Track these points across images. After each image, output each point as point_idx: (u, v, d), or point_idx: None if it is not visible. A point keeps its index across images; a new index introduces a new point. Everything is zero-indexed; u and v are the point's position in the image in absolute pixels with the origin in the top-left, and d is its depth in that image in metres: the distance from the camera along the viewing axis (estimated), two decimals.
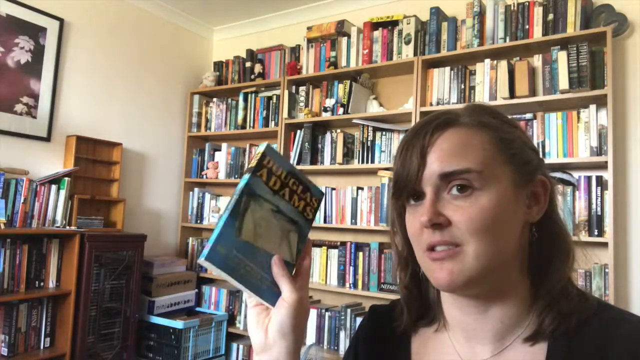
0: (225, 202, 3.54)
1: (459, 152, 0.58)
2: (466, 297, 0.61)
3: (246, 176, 0.57)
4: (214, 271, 0.54)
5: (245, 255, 0.55)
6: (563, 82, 2.30)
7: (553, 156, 2.34)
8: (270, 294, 0.57)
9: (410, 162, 0.59)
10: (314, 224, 2.77)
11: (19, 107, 2.76)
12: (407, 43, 2.82)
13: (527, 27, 2.50)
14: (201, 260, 0.53)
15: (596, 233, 2.19)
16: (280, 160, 0.60)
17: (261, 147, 0.59)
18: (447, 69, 2.67)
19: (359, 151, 2.91)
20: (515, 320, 0.61)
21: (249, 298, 0.60)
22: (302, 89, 3.23)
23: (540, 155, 0.66)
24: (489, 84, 2.54)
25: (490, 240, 0.56)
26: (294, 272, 0.59)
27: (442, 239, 0.57)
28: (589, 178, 2.24)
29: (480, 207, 0.56)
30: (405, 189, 0.60)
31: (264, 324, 0.58)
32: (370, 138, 2.87)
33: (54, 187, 2.75)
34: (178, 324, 2.93)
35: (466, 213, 0.56)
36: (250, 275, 0.56)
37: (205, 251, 0.53)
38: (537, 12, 2.47)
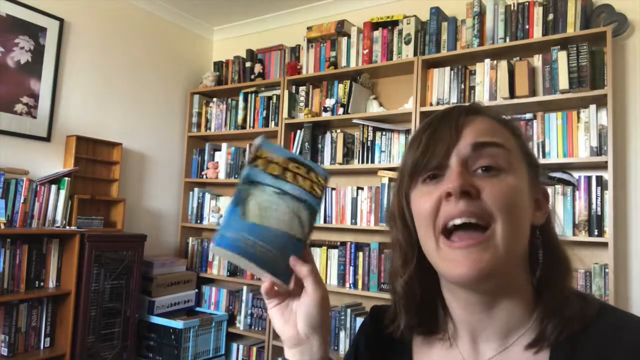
0: (225, 202, 3.54)
1: (491, 133, 0.59)
2: (475, 294, 0.59)
3: (245, 170, 0.60)
4: (226, 257, 0.57)
5: (254, 236, 0.57)
6: (563, 82, 2.30)
7: (553, 156, 2.34)
8: (285, 274, 0.59)
9: (441, 136, 0.58)
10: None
11: (19, 107, 2.76)
12: (407, 43, 2.82)
13: (527, 27, 2.50)
14: (213, 249, 0.56)
15: (596, 233, 2.19)
16: (276, 150, 0.62)
17: (256, 140, 0.62)
18: (447, 69, 2.67)
19: (359, 151, 2.91)
20: (518, 320, 0.60)
21: (265, 281, 0.61)
22: (302, 89, 3.23)
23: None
24: (489, 84, 2.54)
25: (515, 223, 0.55)
26: (304, 248, 0.60)
27: (466, 208, 0.54)
28: (589, 178, 2.24)
29: (508, 185, 0.56)
30: (431, 162, 0.58)
31: (289, 319, 0.59)
32: (370, 138, 2.87)
33: (54, 187, 2.75)
34: (178, 324, 2.93)
35: (496, 187, 0.55)
36: (264, 255, 0.57)
37: (215, 238, 0.56)
38: (537, 12, 2.47)
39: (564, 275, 0.60)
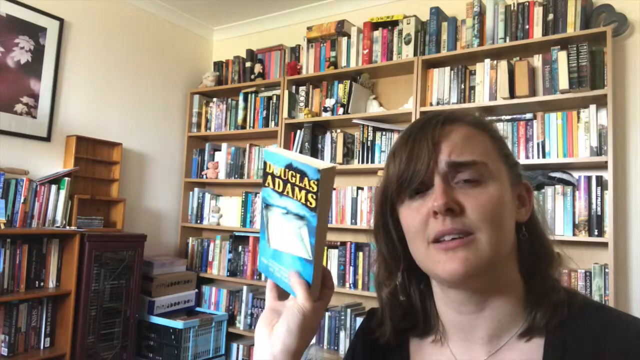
0: (225, 202, 3.54)
1: (467, 145, 0.59)
2: (466, 293, 0.60)
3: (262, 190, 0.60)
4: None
5: (277, 261, 0.60)
6: (563, 82, 2.30)
7: (553, 156, 2.34)
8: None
9: (420, 152, 0.59)
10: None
11: (19, 107, 2.76)
12: (407, 43, 2.82)
13: (527, 27, 2.50)
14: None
15: (596, 233, 2.19)
16: (277, 159, 0.56)
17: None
18: (447, 69, 2.67)
19: (359, 151, 2.91)
20: (510, 319, 0.61)
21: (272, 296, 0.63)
22: (302, 89, 3.23)
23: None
24: (489, 84, 2.54)
25: (498, 230, 0.57)
26: (313, 269, 0.55)
27: (453, 227, 0.56)
28: (589, 178, 2.24)
29: (490, 196, 0.57)
30: (414, 180, 0.59)
31: (271, 322, 0.58)
32: (370, 138, 2.87)
33: (54, 187, 2.75)
34: (178, 324, 2.93)
35: (478, 200, 0.57)
36: (284, 278, 0.59)
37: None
38: (537, 12, 2.47)
39: (549, 265, 0.63)
